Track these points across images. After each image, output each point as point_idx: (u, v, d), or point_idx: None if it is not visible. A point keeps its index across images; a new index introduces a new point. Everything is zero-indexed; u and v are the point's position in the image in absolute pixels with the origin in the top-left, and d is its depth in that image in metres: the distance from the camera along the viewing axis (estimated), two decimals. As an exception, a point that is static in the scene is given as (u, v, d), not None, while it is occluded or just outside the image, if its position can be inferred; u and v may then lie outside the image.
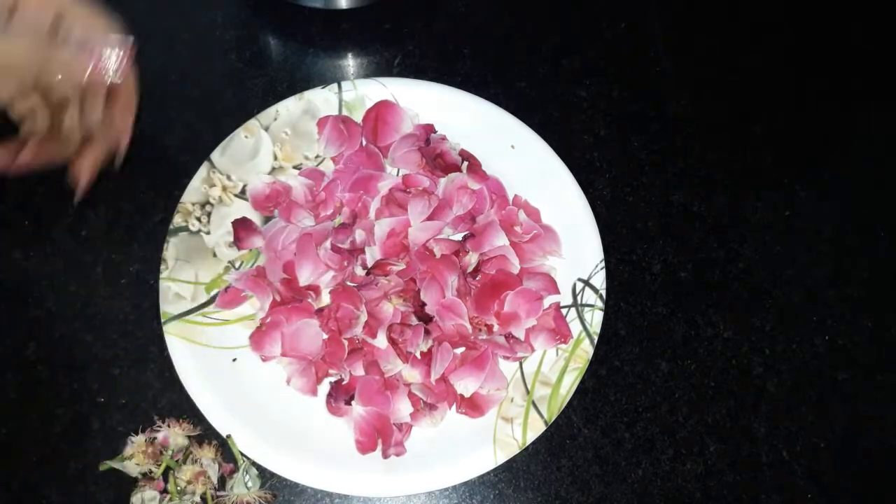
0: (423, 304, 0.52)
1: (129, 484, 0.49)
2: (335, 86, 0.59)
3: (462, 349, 0.52)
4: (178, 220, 0.54)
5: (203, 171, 0.56)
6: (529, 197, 0.57)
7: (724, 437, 0.51)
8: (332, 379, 0.52)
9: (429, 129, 0.58)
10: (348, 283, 0.53)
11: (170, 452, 0.49)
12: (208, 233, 0.55)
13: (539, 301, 0.52)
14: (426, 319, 0.52)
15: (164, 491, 0.49)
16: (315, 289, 0.53)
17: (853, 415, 0.54)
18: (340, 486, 0.48)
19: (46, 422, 0.51)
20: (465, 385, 0.50)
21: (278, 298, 0.52)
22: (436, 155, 0.56)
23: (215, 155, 0.56)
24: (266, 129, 0.57)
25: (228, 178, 0.56)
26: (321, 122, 0.58)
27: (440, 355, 0.50)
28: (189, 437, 0.50)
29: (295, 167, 0.58)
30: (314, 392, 0.51)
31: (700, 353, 0.56)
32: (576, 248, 0.55)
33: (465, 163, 0.56)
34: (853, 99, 0.66)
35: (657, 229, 0.59)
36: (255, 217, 0.56)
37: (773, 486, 0.52)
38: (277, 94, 0.62)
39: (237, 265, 0.55)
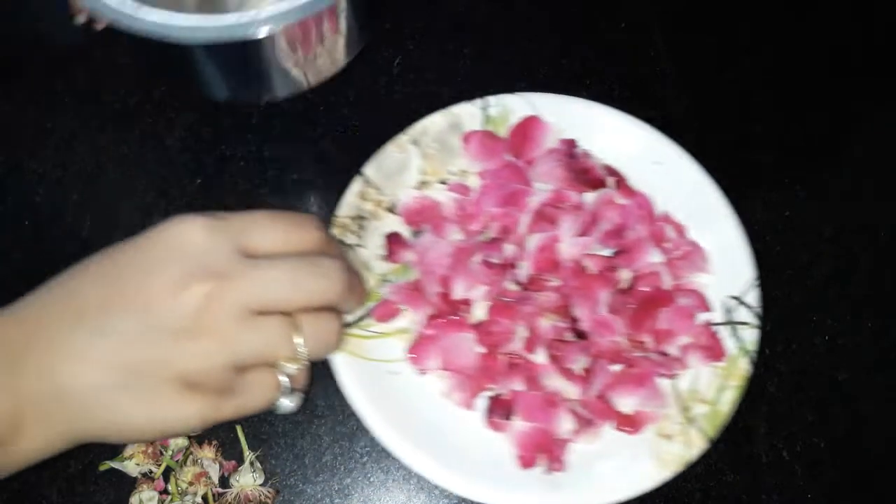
0: (577, 320, 0.52)
1: (129, 484, 0.49)
2: (479, 101, 0.59)
3: (619, 366, 0.52)
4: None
5: (357, 185, 0.55)
6: (674, 214, 0.56)
7: (724, 437, 0.51)
8: (489, 394, 0.51)
9: (571, 143, 0.57)
10: (503, 299, 0.53)
11: (170, 452, 0.49)
12: (363, 246, 0.55)
13: (692, 318, 0.52)
14: (581, 336, 0.52)
15: (165, 491, 0.49)
16: (468, 303, 0.53)
17: (853, 415, 0.54)
18: (500, 501, 0.48)
19: (46, 422, 0.51)
20: (626, 402, 0.50)
21: (435, 312, 0.53)
22: (582, 170, 0.56)
23: (370, 170, 0.56)
24: (414, 144, 0.57)
25: (379, 192, 0.56)
26: (467, 137, 0.58)
27: (598, 372, 0.50)
28: (189, 437, 0.50)
29: (440, 182, 0.58)
30: (470, 406, 0.51)
31: (700, 353, 0.55)
32: (724, 266, 0.54)
33: (612, 178, 0.56)
34: (854, 99, 0.66)
35: (657, 229, 0.59)
36: (404, 231, 0.56)
37: (773, 486, 0.52)
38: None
39: (389, 279, 0.54)
